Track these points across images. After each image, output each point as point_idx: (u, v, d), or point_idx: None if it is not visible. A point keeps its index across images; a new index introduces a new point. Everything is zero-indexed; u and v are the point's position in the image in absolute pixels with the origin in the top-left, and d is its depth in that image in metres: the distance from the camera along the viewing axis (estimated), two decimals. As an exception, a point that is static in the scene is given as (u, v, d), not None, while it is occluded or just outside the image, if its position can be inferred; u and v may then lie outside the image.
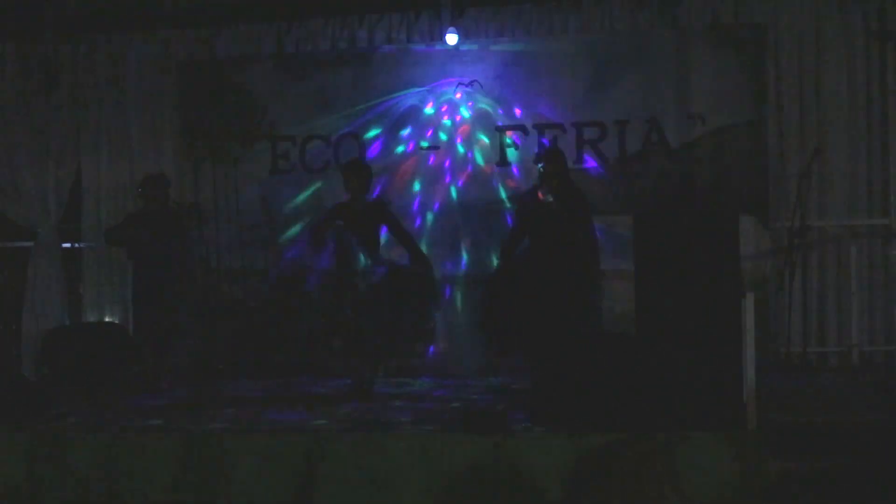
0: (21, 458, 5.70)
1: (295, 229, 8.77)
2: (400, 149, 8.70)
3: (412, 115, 8.69)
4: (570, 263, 7.16)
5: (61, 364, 8.26)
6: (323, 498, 5.44)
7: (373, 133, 8.72)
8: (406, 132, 8.70)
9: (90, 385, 7.93)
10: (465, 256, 8.54)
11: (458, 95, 8.60)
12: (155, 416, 6.41)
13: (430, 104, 8.66)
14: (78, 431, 5.89)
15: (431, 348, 8.11)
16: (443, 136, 8.65)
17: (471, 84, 8.58)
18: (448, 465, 5.34)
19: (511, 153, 8.49)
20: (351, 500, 5.41)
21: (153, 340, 7.69)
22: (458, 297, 8.54)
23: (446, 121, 8.64)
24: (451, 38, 8.49)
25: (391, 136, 8.71)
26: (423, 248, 7.98)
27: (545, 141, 8.38)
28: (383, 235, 7.66)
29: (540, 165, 7.38)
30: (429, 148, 8.67)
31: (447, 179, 8.61)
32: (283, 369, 8.58)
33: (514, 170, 8.46)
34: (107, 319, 9.13)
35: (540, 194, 7.29)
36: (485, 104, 8.58)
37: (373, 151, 8.68)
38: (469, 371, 8.12)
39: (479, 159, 8.59)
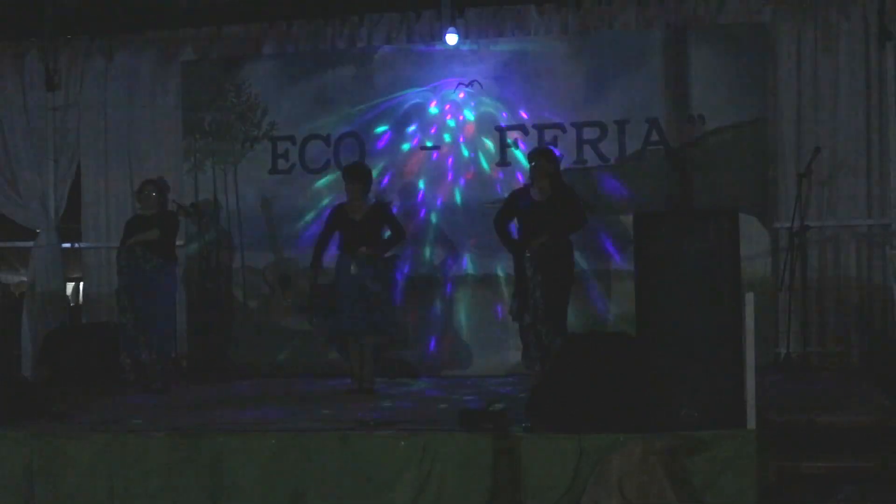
0: (21, 458, 5.70)
1: (295, 229, 8.76)
2: (402, 148, 8.69)
3: (413, 115, 8.68)
4: (555, 262, 7.15)
5: (61, 364, 8.26)
6: (321, 498, 5.44)
7: (374, 133, 8.72)
8: (406, 132, 8.68)
9: (90, 385, 7.94)
10: (466, 256, 8.53)
11: (461, 95, 8.59)
12: (153, 415, 6.41)
13: (431, 104, 8.65)
14: (78, 431, 5.89)
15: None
16: (444, 137, 8.63)
17: (471, 84, 8.57)
18: (447, 464, 5.34)
19: (512, 153, 8.48)
20: (349, 500, 5.41)
21: (152, 340, 7.67)
22: (462, 296, 8.54)
23: (448, 121, 8.63)
24: (451, 38, 8.47)
25: (392, 135, 8.71)
26: (426, 247, 8.43)
27: (548, 142, 8.38)
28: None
29: (532, 164, 7.37)
30: (430, 148, 8.66)
31: (448, 179, 8.60)
32: (283, 369, 8.60)
33: (515, 170, 8.44)
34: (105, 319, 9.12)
35: (532, 193, 7.28)
36: (485, 104, 8.57)
37: (374, 151, 8.68)
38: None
39: (480, 159, 8.58)
